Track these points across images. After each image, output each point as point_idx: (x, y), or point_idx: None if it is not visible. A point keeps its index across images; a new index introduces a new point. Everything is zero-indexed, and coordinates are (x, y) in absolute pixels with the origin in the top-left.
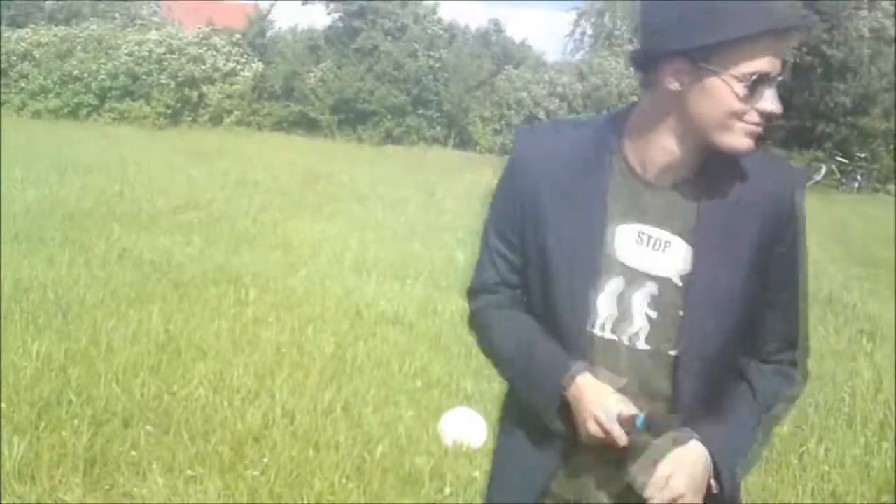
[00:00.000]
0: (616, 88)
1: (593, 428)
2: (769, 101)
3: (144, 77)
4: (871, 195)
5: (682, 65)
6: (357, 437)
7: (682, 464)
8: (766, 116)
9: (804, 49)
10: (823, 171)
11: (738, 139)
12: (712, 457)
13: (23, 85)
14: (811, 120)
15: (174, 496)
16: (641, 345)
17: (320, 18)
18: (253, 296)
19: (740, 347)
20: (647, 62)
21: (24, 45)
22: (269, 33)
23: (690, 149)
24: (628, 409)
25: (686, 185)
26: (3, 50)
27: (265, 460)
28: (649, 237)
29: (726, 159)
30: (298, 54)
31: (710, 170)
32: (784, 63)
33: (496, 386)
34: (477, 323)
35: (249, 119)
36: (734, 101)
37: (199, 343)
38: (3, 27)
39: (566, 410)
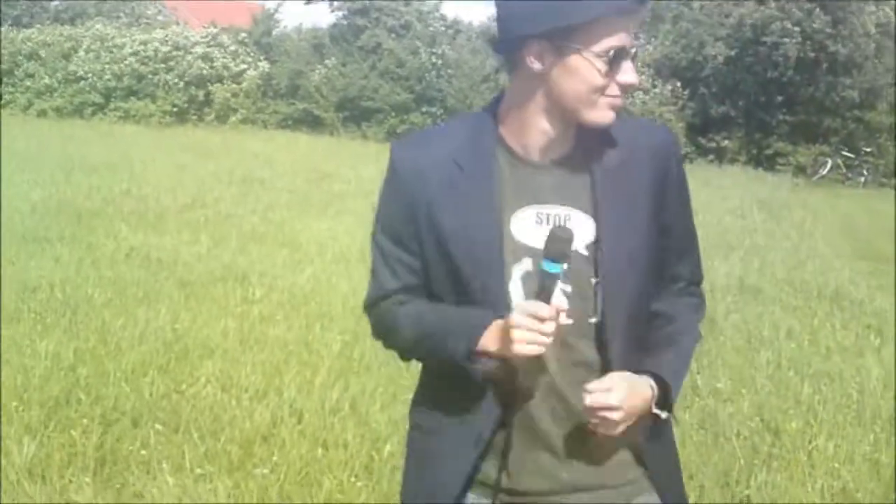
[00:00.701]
0: None
1: (520, 335)
2: (628, 74)
3: (150, 76)
4: (877, 190)
5: (543, 46)
6: (365, 436)
7: (624, 384)
8: (625, 88)
9: (809, 44)
10: (829, 165)
11: (602, 113)
12: (660, 386)
13: (28, 84)
14: (817, 115)
15: (184, 495)
16: (564, 320)
17: (324, 17)
18: (260, 294)
19: (654, 295)
20: (508, 46)
21: (30, 44)
22: (274, 32)
23: (563, 124)
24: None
25: (571, 159)
26: (10, 50)
27: (274, 459)
28: (548, 215)
29: (601, 129)
30: (303, 53)
31: (590, 140)
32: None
33: None
34: (381, 323)
35: (255, 117)
36: (597, 77)
37: (207, 341)
38: (9, 27)
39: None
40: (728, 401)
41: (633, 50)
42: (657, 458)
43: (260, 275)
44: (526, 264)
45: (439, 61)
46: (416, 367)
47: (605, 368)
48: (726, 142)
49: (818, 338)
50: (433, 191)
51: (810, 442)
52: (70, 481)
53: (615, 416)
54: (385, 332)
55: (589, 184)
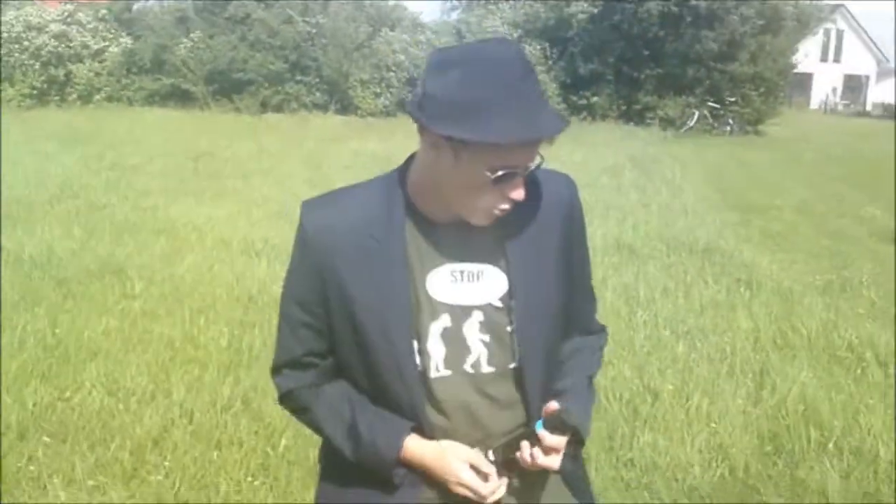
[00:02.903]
0: None
1: (463, 491)
2: (515, 190)
3: (6, 58)
4: (743, 137)
5: (443, 140)
6: (259, 431)
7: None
8: (511, 202)
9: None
10: (696, 116)
11: (479, 217)
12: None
13: None
14: (681, 67)
15: None
16: (486, 368)
17: None
18: (139, 288)
19: (565, 338)
20: (415, 118)
21: None
22: (135, 7)
23: None
24: (479, 460)
25: None
26: None
27: (167, 464)
28: (461, 272)
29: None
30: (167, 27)
31: None
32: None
33: None
34: (292, 405)
35: (120, 95)
36: (482, 190)
37: (89, 343)
38: None
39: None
40: (609, 364)
41: (531, 167)
42: (571, 469)
43: (138, 267)
44: (444, 321)
45: (313, 30)
46: None
47: (526, 407)
48: (596, 98)
49: (691, 294)
50: (344, 261)
51: (687, 400)
52: None
53: (556, 464)
54: (296, 414)
55: (500, 240)
